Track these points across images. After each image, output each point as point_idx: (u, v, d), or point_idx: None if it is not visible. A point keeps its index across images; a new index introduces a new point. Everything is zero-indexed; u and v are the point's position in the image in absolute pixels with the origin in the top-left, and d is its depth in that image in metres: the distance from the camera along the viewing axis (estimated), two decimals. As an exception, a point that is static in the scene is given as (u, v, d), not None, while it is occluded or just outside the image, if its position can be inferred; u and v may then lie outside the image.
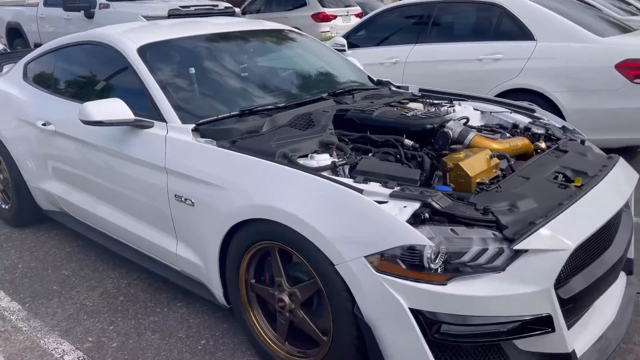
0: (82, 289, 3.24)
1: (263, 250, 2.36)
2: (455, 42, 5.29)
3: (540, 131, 2.97)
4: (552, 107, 4.78)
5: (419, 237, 1.91)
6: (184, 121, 2.73)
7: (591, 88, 4.63)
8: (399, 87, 3.86)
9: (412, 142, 2.63)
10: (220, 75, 3.18)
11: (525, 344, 2.07)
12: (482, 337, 1.96)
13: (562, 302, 2.01)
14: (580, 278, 2.12)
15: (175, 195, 2.62)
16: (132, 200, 2.93)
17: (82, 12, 8.94)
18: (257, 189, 2.26)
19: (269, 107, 2.93)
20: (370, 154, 2.59)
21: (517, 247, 1.94)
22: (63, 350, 2.67)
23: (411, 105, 3.31)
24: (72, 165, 3.32)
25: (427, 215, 2.02)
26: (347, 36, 6.07)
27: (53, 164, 3.50)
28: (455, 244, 1.94)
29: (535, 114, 3.28)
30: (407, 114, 2.81)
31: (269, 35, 3.81)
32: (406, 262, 1.93)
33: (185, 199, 2.56)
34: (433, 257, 1.91)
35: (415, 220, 2.00)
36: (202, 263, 2.61)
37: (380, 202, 2.05)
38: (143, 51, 3.06)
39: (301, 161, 2.37)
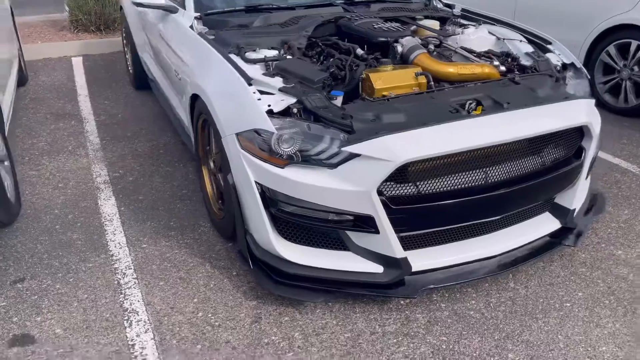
0: (143, 139, 4.16)
1: (208, 121, 2.88)
2: (579, -36, 4.72)
3: (528, 63, 2.83)
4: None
5: (268, 124, 2.24)
6: (197, 10, 3.26)
7: None
8: (446, 5, 3.80)
9: (362, 52, 2.79)
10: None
11: (361, 240, 2.31)
12: (313, 220, 2.26)
13: (390, 210, 2.18)
14: (423, 195, 2.23)
15: (174, 70, 3.24)
16: (166, 72, 3.64)
17: None
18: (199, 70, 2.75)
19: (273, 6, 3.29)
20: (331, 59, 2.84)
21: (346, 149, 2.14)
22: (99, 173, 3.61)
23: (425, 22, 3.34)
24: (149, 39, 4.15)
25: (295, 110, 2.30)
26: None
27: (143, 37, 4.38)
28: (303, 137, 2.22)
29: (549, 46, 3.06)
30: (375, 27, 2.92)
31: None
32: (260, 144, 2.28)
33: (177, 74, 3.17)
34: (279, 143, 2.22)
35: (286, 112, 2.31)
36: (190, 126, 3.24)
37: (267, 93, 2.39)
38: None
39: (248, 53, 2.76)
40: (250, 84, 2.40)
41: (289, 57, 2.73)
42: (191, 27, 3.13)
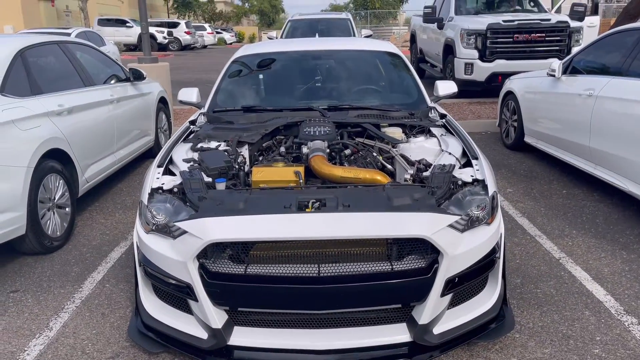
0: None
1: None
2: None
3: (427, 174, 2.90)
4: None
5: (145, 197, 2.82)
6: (209, 108, 4.08)
7: None
8: (442, 115, 3.92)
9: (283, 150, 3.24)
10: (272, 83, 4.29)
11: (196, 307, 2.65)
12: (159, 282, 2.71)
13: (206, 283, 2.51)
14: (245, 275, 2.48)
15: (182, 153, 4.06)
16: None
17: (436, 24, 10.42)
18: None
19: (264, 108, 3.93)
20: (270, 153, 3.37)
21: (178, 224, 2.58)
22: (139, 229, 4.53)
23: (389, 129, 3.57)
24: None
25: (176, 189, 2.85)
26: (570, 60, 5.50)
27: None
28: (166, 212, 2.73)
29: (474, 160, 3.04)
30: (307, 130, 3.31)
31: (358, 55, 4.51)
32: (143, 212, 2.84)
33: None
34: (150, 213, 2.77)
35: (171, 190, 2.87)
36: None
37: (173, 174, 3.02)
38: (236, 60, 4.50)
39: (200, 144, 3.40)
40: (160, 165, 3.05)
41: (223, 148, 3.30)
42: (193, 121, 3.94)
